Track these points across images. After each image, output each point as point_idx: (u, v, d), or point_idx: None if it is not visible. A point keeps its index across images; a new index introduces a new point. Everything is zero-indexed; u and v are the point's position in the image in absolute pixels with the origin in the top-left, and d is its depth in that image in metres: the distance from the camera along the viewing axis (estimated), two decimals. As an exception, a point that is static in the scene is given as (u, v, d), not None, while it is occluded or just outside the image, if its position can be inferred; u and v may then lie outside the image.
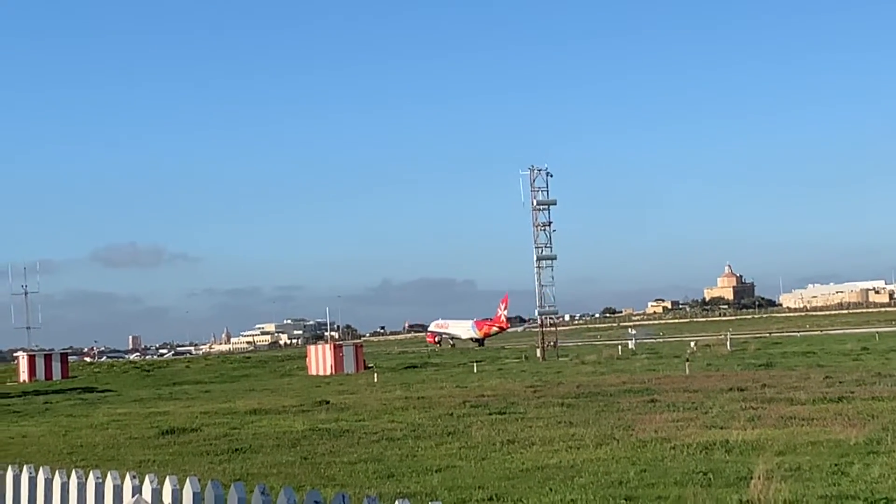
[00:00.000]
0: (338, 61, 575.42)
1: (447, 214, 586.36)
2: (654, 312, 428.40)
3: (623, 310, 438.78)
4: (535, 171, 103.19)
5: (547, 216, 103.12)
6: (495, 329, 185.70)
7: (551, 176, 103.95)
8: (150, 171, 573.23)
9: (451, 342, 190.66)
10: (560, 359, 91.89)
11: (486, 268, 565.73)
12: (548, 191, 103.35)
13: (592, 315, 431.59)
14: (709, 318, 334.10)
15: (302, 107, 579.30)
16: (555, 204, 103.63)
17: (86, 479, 6.85)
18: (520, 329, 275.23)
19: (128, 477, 6.53)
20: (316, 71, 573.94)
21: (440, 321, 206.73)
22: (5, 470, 7.35)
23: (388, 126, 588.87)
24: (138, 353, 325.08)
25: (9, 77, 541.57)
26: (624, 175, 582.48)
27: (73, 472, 6.93)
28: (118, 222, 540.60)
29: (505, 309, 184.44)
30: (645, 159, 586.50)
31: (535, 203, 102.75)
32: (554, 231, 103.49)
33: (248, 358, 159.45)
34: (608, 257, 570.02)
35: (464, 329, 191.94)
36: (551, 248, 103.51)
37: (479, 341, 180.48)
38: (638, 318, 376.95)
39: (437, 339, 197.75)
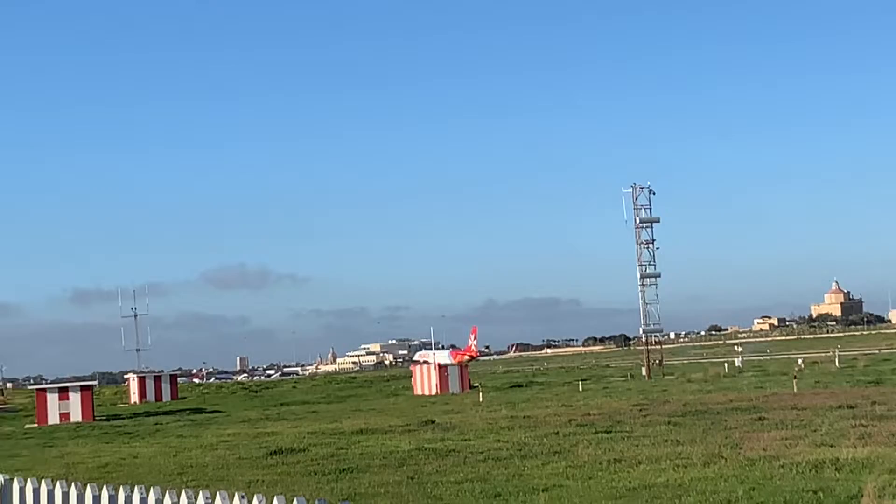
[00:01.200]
0: (445, 76, 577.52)
1: (551, 233, 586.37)
2: (761, 329, 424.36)
3: (729, 327, 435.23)
4: (638, 189, 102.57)
5: (650, 234, 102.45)
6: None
7: (654, 193, 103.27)
8: (258, 193, 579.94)
9: None
10: (665, 377, 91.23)
11: (590, 286, 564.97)
12: (651, 208, 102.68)
13: (698, 333, 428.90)
14: (816, 335, 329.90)
15: (408, 129, 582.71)
16: (658, 221, 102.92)
17: (195, 499, 6.95)
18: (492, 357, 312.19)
19: (237, 497, 6.62)
20: (420, 88, 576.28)
21: (423, 352, 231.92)
22: (118, 491, 7.47)
23: (491, 145, 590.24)
24: (246, 374, 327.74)
25: (116, 105, 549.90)
26: (728, 191, 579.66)
27: (184, 491, 7.03)
28: (227, 244, 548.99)
29: (475, 339, 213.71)
30: (750, 174, 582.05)
31: (637, 221, 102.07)
32: (657, 249, 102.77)
33: (354, 378, 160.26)
34: (713, 274, 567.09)
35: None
36: (655, 265, 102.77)
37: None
38: (744, 335, 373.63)
39: None
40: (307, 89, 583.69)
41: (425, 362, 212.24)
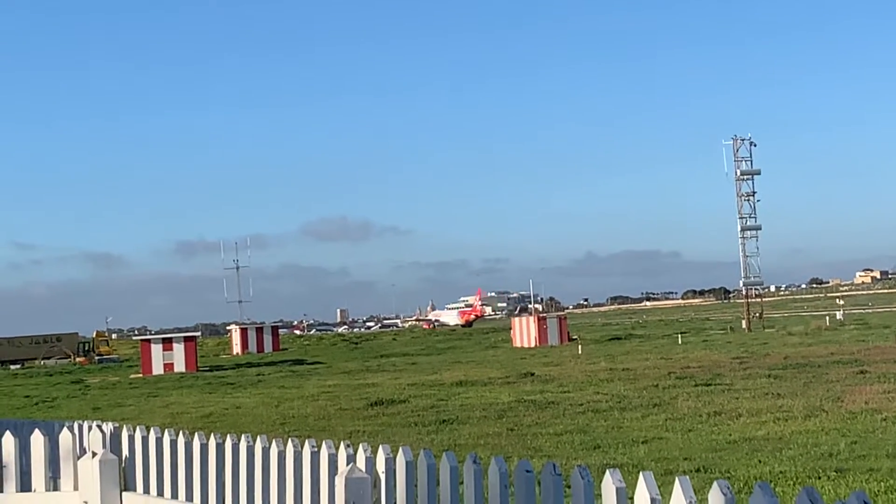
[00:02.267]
0: (535, 33, 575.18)
1: (652, 185, 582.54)
2: (863, 282, 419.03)
3: (830, 280, 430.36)
4: (739, 141, 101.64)
5: (751, 186, 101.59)
6: (473, 317, 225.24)
7: (755, 145, 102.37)
8: (363, 145, 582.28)
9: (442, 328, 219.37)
10: (766, 330, 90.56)
11: (691, 239, 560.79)
12: (751, 160, 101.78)
13: (799, 286, 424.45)
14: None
15: (509, 81, 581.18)
16: (759, 174, 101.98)
17: (301, 448, 7.05)
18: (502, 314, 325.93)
19: (342, 446, 6.71)
20: (518, 44, 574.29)
21: (437, 311, 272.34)
22: (224, 439, 7.60)
23: (592, 99, 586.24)
24: (346, 326, 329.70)
25: (220, 59, 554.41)
26: (831, 142, 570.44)
27: (290, 441, 7.14)
28: (330, 197, 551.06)
29: (479, 300, 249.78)
30: (852, 123, 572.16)
31: (738, 173, 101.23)
32: (758, 201, 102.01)
33: (454, 330, 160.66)
34: (815, 227, 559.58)
35: (452, 317, 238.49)
36: (755, 218, 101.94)
37: (466, 326, 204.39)
38: (846, 288, 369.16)
39: (432, 325, 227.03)
40: (410, 40, 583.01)
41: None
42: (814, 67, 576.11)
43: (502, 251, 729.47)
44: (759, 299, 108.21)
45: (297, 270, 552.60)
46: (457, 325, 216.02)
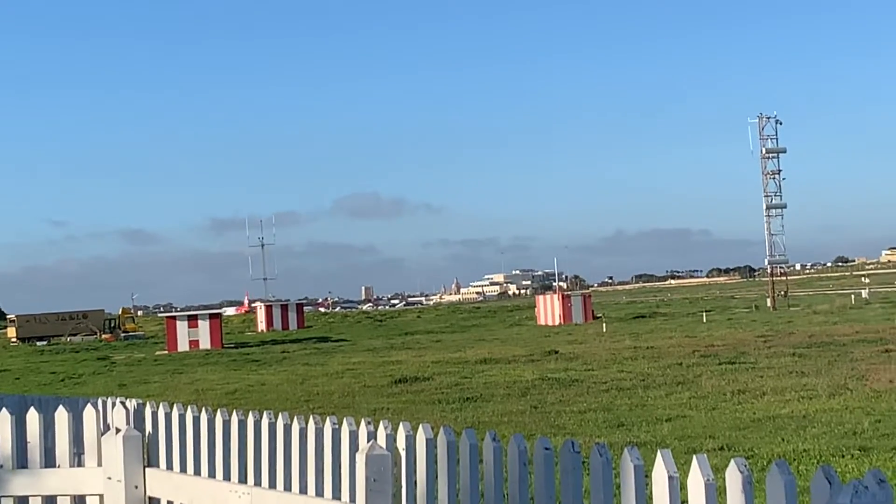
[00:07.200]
0: (564, 11, 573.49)
1: (682, 163, 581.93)
2: (889, 261, 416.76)
3: (856, 258, 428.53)
4: (764, 119, 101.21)
5: (776, 164, 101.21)
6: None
7: (780, 123, 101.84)
8: (396, 122, 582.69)
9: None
10: (791, 308, 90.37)
11: (720, 217, 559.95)
12: (777, 138, 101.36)
13: (824, 264, 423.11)
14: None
15: (543, 59, 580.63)
16: (784, 152, 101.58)
17: (322, 425, 7.09)
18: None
19: (363, 423, 6.75)
20: (547, 22, 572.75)
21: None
22: (247, 416, 7.65)
23: (620, 77, 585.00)
24: (371, 304, 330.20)
25: (255, 34, 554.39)
26: (857, 120, 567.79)
27: (311, 418, 7.18)
28: (362, 173, 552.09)
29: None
30: (879, 101, 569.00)
31: (763, 151, 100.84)
32: (784, 179, 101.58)
33: (478, 308, 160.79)
34: (841, 205, 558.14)
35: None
36: (781, 196, 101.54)
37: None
38: (872, 266, 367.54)
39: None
40: (443, 15, 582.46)
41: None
42: (840, 45, 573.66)
43: (531, 229, 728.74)
44: (784, 277, 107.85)
45: (324, 248, 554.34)
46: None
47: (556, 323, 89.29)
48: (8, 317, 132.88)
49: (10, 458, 8.37)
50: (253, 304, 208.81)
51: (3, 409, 8.59)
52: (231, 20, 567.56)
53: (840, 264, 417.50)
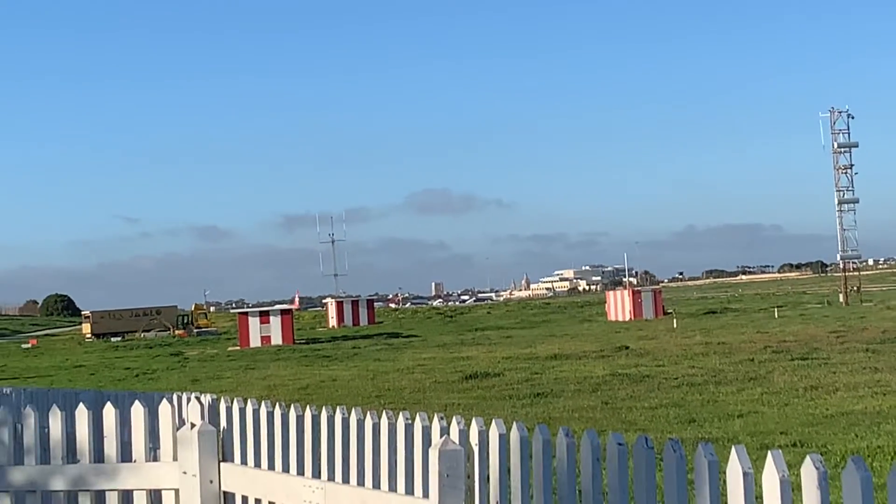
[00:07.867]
0: (632, 5, 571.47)
1: (753, 158, 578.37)
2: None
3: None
4: (836, 113, 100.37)
5: (848, 159, 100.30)
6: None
7: (852, 118, 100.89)
8: (468, 118, 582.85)
9: None
10: (864, 304, 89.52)
11: (792, 212, 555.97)
12: (849, 133, 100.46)
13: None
14: None
15: (612, 53, 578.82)
16: (856, 146, 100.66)
17: (395, 421, 7.11)
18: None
19: (436, 418, 6.76)
20: (617, 16, 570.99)
21: None
22: (320, 411, 7.69)
23: (692, 72, 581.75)
24: (441, 300, 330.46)
25: (323, 27, 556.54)
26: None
27: (384, 413, 7.21)
28: (433, 169, 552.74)
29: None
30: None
31: (835, 145, 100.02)
32: (856, 174, 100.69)
33: (548, 304, 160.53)
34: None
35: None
36: (853, 191, 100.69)
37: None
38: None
39: None
40: (513, 8, 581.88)
41: None
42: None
43: (602, 224, 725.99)
44: (856, 273, 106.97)
45: (395, 244, 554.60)
46: None
47: (627, 319, 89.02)
48: (83, 313, 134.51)
49: (87, 454, 8.47)
50: (292, 303, 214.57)
51: (81, 404, 8.69)
52: (303, 15, 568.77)
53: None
